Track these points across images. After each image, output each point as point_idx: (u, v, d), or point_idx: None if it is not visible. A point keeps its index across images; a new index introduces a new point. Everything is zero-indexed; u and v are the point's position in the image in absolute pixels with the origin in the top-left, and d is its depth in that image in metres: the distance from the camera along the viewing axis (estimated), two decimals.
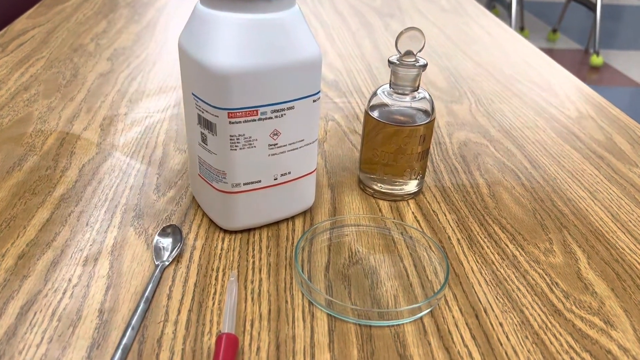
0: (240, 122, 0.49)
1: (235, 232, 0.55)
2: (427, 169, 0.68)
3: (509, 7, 3.50)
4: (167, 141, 0.72)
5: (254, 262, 0.52)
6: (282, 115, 0.50)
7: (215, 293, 0.48)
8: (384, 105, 0.59)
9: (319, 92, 0.52)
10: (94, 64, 0.95)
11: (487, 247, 0.55)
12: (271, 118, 0.50)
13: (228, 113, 0.48)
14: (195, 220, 0.57)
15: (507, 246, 0.56)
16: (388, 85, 0.59)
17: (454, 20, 1.29)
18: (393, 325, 0.46)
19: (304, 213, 0.59)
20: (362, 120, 0.80)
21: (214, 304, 0.47)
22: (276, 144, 0.51)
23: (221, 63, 0.46)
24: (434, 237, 0.56)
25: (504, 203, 0.63)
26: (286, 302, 0.47)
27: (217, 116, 0.49)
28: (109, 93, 0.84)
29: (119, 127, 0.74)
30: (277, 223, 0.57)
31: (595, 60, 3.37)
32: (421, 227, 0.58)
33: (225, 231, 0.55)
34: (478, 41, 1.16)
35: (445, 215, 0.60)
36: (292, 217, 0.58)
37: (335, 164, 0.69)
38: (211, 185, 0.53)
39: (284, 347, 0.43)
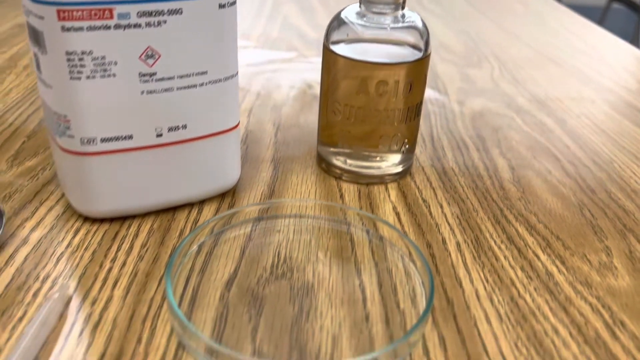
0: (81, 28, 0.29)
1: (102, 220, 0.35)
2: (418, 139, 0.47)
3: None
4: None
5: (111, 269, 0.31)
6: (159, 24, 0.30)
7: (23, 318, 0.28)
8: (352, 35, 0.38)
9: None
10: None
11: (505, 257, 0.34)
12: (139, 26, 0.30)
13: (58, 12, 0.28)
14: (48, 202, 0.37)
15: (538, 257, 0.34)
16: (358, 4, 0.39)
17: None
18: None
19: (221, 196, 0.38)
20: None
21: (9, 338, 0.27)
22: (154, 74, 0.31)
23: None
24: (419, 240, 0.35)
25: (534, 192, 0.41)
26: (138, 341, 0.27)
27: (43, 18, 0.29)
28: None
29: None
30: (174, 209, 0.37)
31: None
32: (401, 223, 0.37)
33: (87, 219, 0.35)
34: (508, 11, 0.94)
35: (442, 208, 0.39)
36: (202, 202, 0.37)
37: (290, 135, 0.48)
38: (55, 141, 0.33)
39: None
